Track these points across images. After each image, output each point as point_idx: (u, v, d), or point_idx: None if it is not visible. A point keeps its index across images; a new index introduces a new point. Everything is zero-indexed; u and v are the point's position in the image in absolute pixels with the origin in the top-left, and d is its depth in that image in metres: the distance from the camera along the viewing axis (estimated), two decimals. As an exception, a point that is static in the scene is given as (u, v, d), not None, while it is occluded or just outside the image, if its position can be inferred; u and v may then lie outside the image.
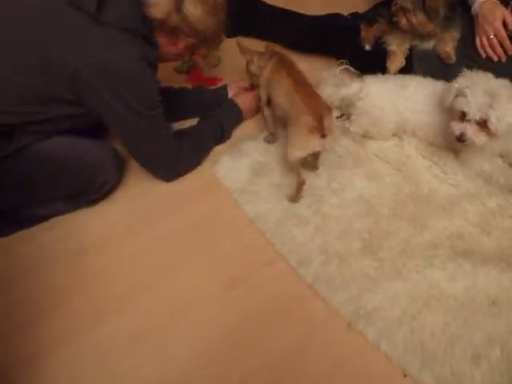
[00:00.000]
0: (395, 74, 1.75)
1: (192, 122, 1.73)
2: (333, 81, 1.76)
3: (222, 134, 1.68)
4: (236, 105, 1.73)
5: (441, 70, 1.71)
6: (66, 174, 1.43)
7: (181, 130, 1.62)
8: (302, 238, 1.41)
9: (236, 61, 1.80)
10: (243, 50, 1.67)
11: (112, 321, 1.27)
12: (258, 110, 1.77)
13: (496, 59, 1.66)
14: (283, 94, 1.49)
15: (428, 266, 1.33)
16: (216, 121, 1.67)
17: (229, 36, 2.25)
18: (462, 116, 1.43)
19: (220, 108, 1.72)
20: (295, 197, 1.50)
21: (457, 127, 1.45)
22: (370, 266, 1.34)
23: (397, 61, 1.75)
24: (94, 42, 1.25)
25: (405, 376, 1.15)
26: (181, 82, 1.99)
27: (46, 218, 1.49)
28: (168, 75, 2.01)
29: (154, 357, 1.20)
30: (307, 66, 1.70)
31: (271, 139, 1.69)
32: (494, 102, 1.36)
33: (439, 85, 1.59)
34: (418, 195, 1.51)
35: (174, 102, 1.70)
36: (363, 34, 1.80)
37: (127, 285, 1.35)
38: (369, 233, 1.42)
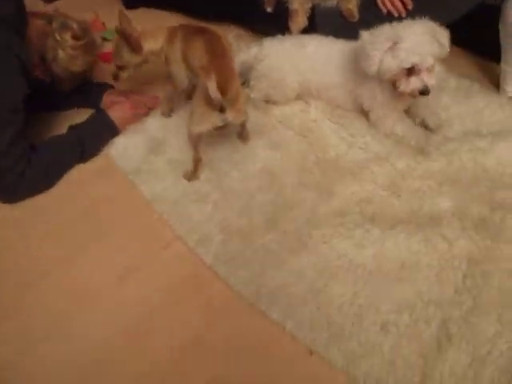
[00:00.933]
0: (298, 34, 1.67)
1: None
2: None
3: (83, 153, 1.45)
4: (108, 118, 1.50)
5: (345, 28, 1.63)
6: None
7: (31, 145, 1.37)
8: (200, 216, 1.30)
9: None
10: (129, 27, 1.39)
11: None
12: (137, 117, 1.57)
13: (396, 14, 1.60)
14: (195, 57, 1.32)
15: (335, 235, 1.24)
16: (78, 138, 1.43)
17: (128, 7, 2.11)
18: (410, 70, 1.33)
19: (88, 120, 1.49)
20: (192, 175, 1.38)
21: (414, 83, 1.33)
22: (273, 241, 1.24)
23: (299, 21, 1.66)
24: None
25: (311, 354, 1.06)
26: None
27: None
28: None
29: (46, 362, 1.08)
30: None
31: (167, 112, 1.57)
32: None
33: (340, 43, 1.52)
34: (325, 161, 1.42)
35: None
36: None
37: (10, 286, 1.21)
38: (272, 205, 1.32)
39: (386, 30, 1.34)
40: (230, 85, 1.23)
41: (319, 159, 1.42)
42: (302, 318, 1.10)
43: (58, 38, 1.36)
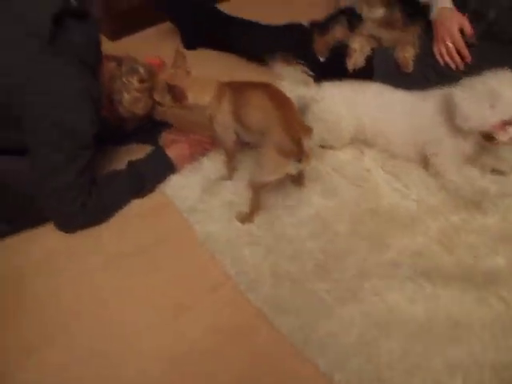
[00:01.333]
0: (354, 71, 1.69)
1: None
2: (293, 76, 1.63)
3: (141, 189, 1.51)
4: (166, 156, 1.54)
5: (400, 77, 1.64)
6: (4, 197, 1.34)
7: (93, 180, 1.42)
8: (252, 259, 1.32)
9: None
10: (183, 66, 1.42)
11: (43, 355, 1.16)
12: (194, 157, 1.61)
13: (454, 67, 1.61)
14: (256, 111, 1.32)
15: (386, 288, 1.23)
16: (137, 174, 1.49)
17: (189, 48, 2.21)
18: (506, 121, 1.35)
19: (147, 157, 1.54)
20: (247, 218, 1.41)
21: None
22: (324, 289, 1.24)
23: (357, 58, 1.67)
24: (40, 63, 1.24)
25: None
26: None
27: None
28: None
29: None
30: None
31: (230, 176, 1.56)
32: None
33: (401, 92, 1.54)
34: (378, 211, 1.42)
35: None
36: (316, 45, 1.73)
37: (64, 314, 1.25)
38: (323, 252, 1.32)
39: (478, 85, 1.36)
40: (302, 135, 1.25)
41: (372, 209, 1.43)
42: (350, 370, 1.09)
43: (125, 81, 1.43)
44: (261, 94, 1.31)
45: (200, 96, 1.40)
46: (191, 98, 1.39)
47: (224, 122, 1.40)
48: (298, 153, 1.24)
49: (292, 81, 1.61)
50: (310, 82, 1.63)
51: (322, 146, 1.62)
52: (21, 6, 1.26)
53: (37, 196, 1.34)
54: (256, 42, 2.01)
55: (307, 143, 1.25)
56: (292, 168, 1.29)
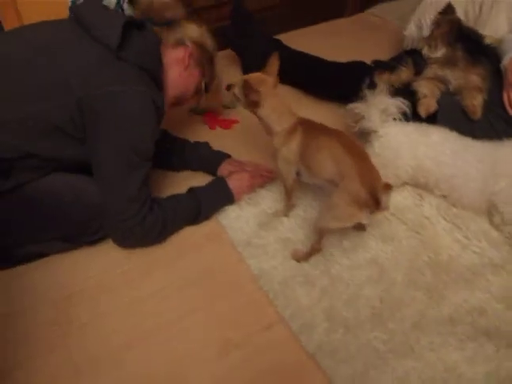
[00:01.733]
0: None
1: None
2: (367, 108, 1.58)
3: (197, 217, 1.51)
4: (227, 186, 1.55)
5: (466, 124, 1.61)
6: (63, 215, 1.36)
7: (154, 198, 1.43)
8: (306, 301, 1.30)
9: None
10: (273, 73, 1.39)
11: (91, 381, 1.17)
12: (253, 188, 1.61)
13: None
14: (328, 159, 1.30)
15: (444, 345, 1.19)
16: (196, 201, 1.49)
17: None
18: None
19: (208, 185, 1.55)
20: (303, 257, 1.40)
21: None
22: (378, 339, 1.21)
23: (429, 103, 1.63)
24: (106, 74, 1.26)
25: None
26: (195, 123, 1.97)
27: (40, 255, 1.43)
28: (183, 116, 1.99)
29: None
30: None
31: (286, 212, 1.55)
32: None
33: (471, 140, 1.52)
34: (437, 262, 1.39)
35: (168, 149, 1.68)
36: (379, 83, 1.71)
37: (115, 340, 1.25)
38: (380, 300, 1.30)
39: None
40: (377, 185, 1.24)
41: (431, 259, 1.39)
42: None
43: None
44: (335, 142, 1.30)
45: (273, 118, 1.39)
46: (265, 112, 1.38)
47: (288, 158, 1.39)
48: (375, 206, 1.23)
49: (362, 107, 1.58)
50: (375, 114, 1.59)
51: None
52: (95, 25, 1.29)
53: (95, 212, 1.36)
54: (318, 78, 2.03)
55: (386, 198, 1.23)
56: (364, 218, 1.27)
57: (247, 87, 1.34)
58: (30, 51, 1.27)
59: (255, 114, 1.41)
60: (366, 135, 1.62)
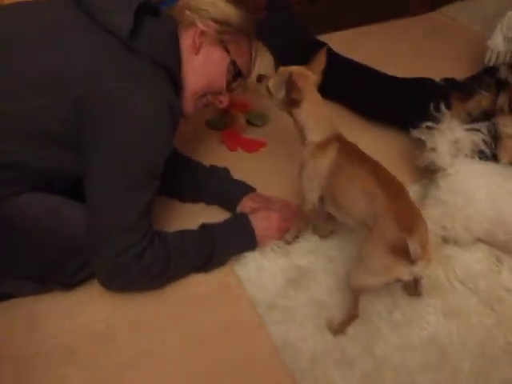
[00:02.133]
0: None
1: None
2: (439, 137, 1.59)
3: (209, 261, 1.50)
4: (249, 225, 1.54)
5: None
6: (36, 245, 1.35)
7: (156, 231, 1.42)
8: (342, 386, 1.28)
9: (286, 123, 1.65)
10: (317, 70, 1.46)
11: None
12: (282, 233, 1.60)
13: None
14: (360, 194, 1.33)
15: None
16: (209, 241, 1.48)
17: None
18: None
19: (226, 223, 1.55)
20: (339, 328, 1.38)
21: None
22: None
23: None
24: (113, 69, 1.27)
25: None
26: (212, 141, 1.99)
27: (7, 296, 1.44)
28: (196, 131, 2.01)
29: None
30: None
31: (293, 236, 1.59)
32: None
33: None
34: (517, 349, 1.37)
35: (178, 172, 1.69)
36: (453, 111, 1.72)
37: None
38: (440, 395, 1.27)
39: None
40: (420, 229, 1.25)
41: (509, 345, 1.37)
42: None
43: None
44: (369, 176, 1.32)
45: (310, 124, 1.44)
46: (302, 114, 1.44)
47: (313, 177, 1.43)
48: (414, 255, 1.20)
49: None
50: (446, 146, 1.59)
51: (444, 239, 1.59)
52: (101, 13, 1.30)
53: (78, 247, 1.36)
54: (372, 96, 2.05)
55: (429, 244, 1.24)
56: (404, 272, 1.25)
57: (290, 82, 1.36)
58: (9, 37, 1.28)
59: (291, 115, 1.46)
60: (431, 173, 1.62)
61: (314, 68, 1.45)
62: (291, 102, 1.41)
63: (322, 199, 1.45)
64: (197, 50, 1.45)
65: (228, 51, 1.49)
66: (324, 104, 1.47)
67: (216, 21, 1.45)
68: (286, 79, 1.38)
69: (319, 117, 1.44)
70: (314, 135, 1.43)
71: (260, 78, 1.48)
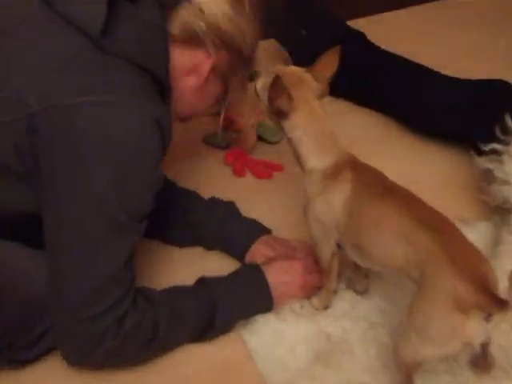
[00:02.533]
0: None
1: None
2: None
3: (208, 328, 1.48)
4: (263, 281, 1.52)
5: None
6: None
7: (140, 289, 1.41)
8: None
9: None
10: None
11: None
12: (307, 290, 1.59)
13: None
14: (394, 237, 1.31)
15: None
16: (209, 301, 1.47)
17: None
18: None
19: (230, 277, 1.55)
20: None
21: None
22: None
23: None
24: (80, 77, 1.25)
25: None
26: (212, 163, 1.99)
27: None
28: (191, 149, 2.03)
29: None
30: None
31: (325, 300, 1.58)
32: None
33: None
34: None
35: (167, 207, 1.67)
36: None
37: None
38: None
39: None
40: (485, 271, 1.22)
41: None
42: None
43: None
44: (401, 213, 1.31)
45: (308, 144, 1.43)
46: (295, 130, 1.43)
47: (323, 218, 1.41)
48: (494, 304, 1.16)
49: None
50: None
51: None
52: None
53: (38, 309, 1.36)
54: (423, 102, 2.06)
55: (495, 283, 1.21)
56: (477, 330, 1.20)
57: (276, 85, 1.34)
58: None
59: (282, 128, 1.45)
60: (503, 210, 1.64)
61: (319, 72, 1.44)
62: (276, 112, 1.40)
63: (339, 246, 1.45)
64: (202, 83, 1.46)
65: (228, 86, 1.53)
66: (325, 119, 1.44)
67: (231, 49, 1.44)
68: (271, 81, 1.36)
69: (317, 134, 1.43)
70: (315, 160, 1.42)
71: (252, 76, 1.51)
